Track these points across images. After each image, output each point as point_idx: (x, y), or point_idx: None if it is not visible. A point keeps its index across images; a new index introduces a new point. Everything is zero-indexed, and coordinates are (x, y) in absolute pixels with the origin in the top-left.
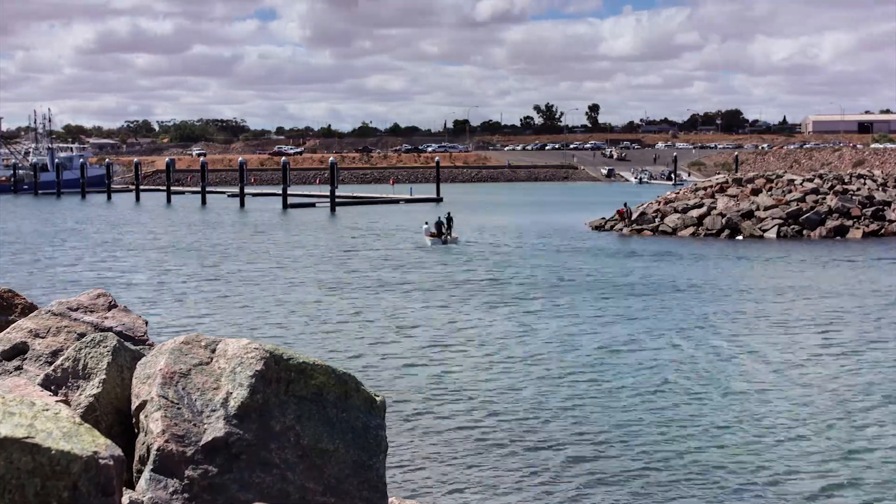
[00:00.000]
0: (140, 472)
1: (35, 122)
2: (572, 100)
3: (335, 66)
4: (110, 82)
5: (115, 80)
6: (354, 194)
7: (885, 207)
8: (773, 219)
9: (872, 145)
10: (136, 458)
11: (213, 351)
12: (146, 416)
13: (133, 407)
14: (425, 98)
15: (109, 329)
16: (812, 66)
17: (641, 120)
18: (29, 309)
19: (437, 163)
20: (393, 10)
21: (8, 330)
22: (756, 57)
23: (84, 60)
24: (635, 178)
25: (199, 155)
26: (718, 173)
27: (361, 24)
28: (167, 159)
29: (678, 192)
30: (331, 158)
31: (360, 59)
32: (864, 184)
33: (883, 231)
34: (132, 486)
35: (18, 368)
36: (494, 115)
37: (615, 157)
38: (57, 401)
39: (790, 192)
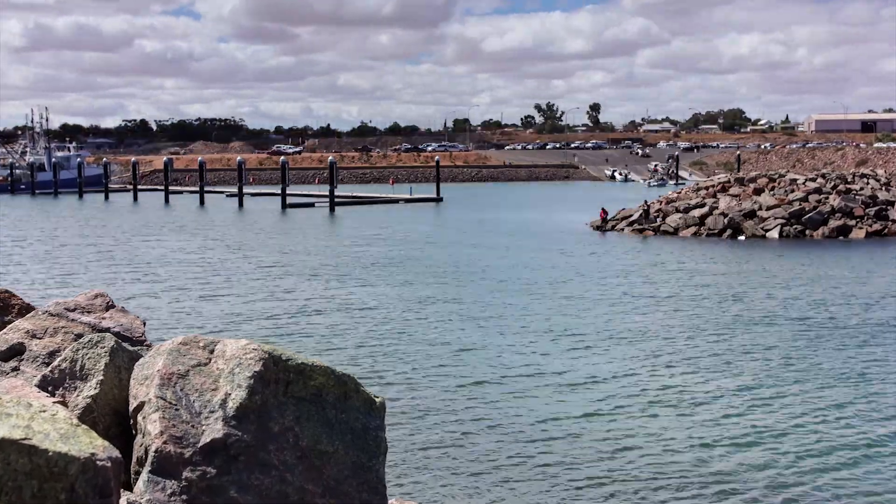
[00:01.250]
0: (138, 473)
1: (32, 122)
2: (547, 99)
3: (294, 63)
4: (68, 81)
5: (72, 80)
6: (354, 194)
7: (889, 207)
8: (776, 218)
9: (876, 144)
10: (134, 459)
11: (212, 352)
12: (144, 418)
13: (131, 408)
14: (402, 96)
15: (107, 330)
16: (785, 63)
17: (643, 119)
18: (26, 309)
19: (437, 162)
20: (324, 7)
21: (5, 331)
22: (724, 53)
23: (26, 59)
24: (619, 175)
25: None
26: (717, 173)
27: (295, 21)
28: (165, 159)
29: (680, 192)
30: (330, 158)
31: (308, 57)
32: (868, 183)
33: (886, 231)
34: (130, 488)
35: (15, 369)
36: (470, 114)
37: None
38: (54, 402)
39: (793, 191)
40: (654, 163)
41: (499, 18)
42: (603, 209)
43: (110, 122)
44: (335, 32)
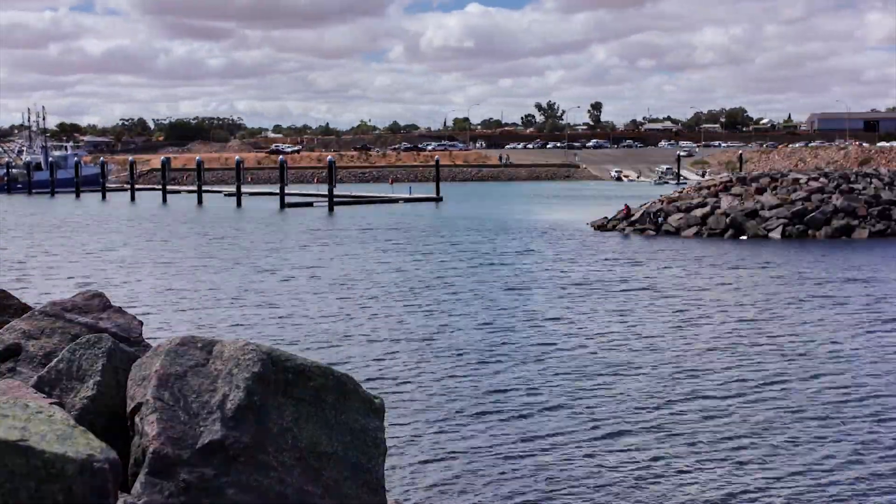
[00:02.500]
0: (135, 475)
1: (28, 120)
2: (518, 97)
3: (247, 60)
4: (26, 80)
5: (34, 79)
6: (353, 194)
7: (892, 207)
8: (778, 218)
9: (879, 143)
10: (132, 460)
11: (210, 352)
12: (141, 419)
13: (128, 409)
14: (369, 94)
15: (104, 330)
16: (747, 59)
17: (644, 118)
18: (22, 310)
19: (437, 161)
20: (249, 2)
21: (1, 331)
22: (684, 47)
23: None
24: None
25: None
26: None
27: (224, 17)
28: (162, 158)
29: (682, 191)
30: (329, 157)
31: (256, 54)
32: (871, 183)
33: (889, 231)
34: (127, 490)
35: (12, 370)
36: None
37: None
38: (51, 403)
39: (795, 191)
40: (664, 165)
41: (442, 15)
42: (626, 206)
43: (82, 121)
44: (268, 28)
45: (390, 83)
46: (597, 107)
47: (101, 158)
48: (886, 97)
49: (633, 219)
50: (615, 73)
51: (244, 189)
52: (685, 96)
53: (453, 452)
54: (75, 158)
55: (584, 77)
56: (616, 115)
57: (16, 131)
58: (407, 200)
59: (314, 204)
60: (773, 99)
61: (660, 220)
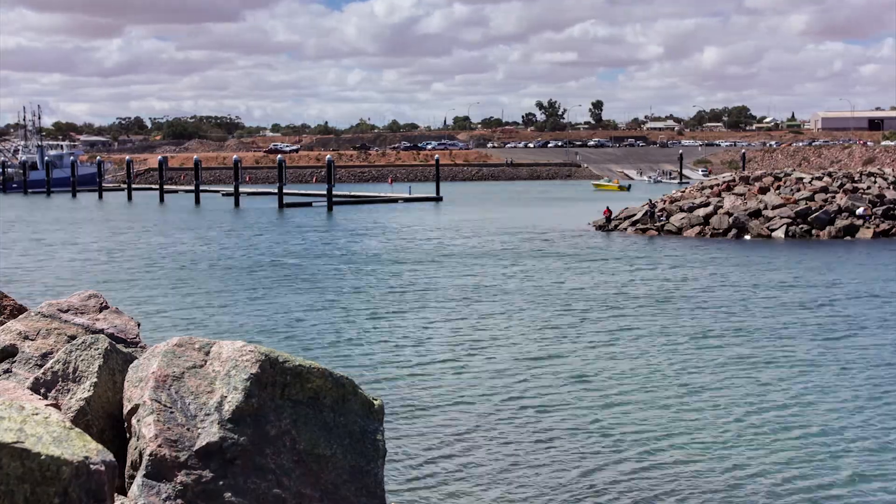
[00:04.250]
0: (132, 477)
1: (24, 119)
2: (477, 95)
3: (172, 58)
4: None
5: None
6: (352, 193)
7: None
8: (782, 218)
9: (883, 142)
10: (129, 463)
11: (208, 353)
12: (138, 421)
13: (125, 411)
14: (321, 93)
15: (101, 331)
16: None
17: (646, 116)
18: (18, 310)
19: (437, 161)
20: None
21: None
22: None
23: None
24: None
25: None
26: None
27: (126, 15)
28: (159, 157)
29: (684, 191)
30: (328, 156)
31: (176, 51)
32: (875, 182)
33: (893, 230)
34: (124, 493)
35: (7, 372)
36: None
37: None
38: (47, 405)
39: (799, 190)
40: (666, 166)
41: (361, 5)
42: (607, 208)
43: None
44: (169, 23)
45: (343, 81)
46: (598, 105)
47: (98, 157)
48: (851, 94)
49: (635, 218)
50: (567, 70)
51: (242, 189)
52: (649, 93)
53: (453, 454)
54: (71, 158)
55: (531, 72)
56: (612, 113)
57: (12, 130)
58: (406, 200)
59: (313, 204)
60: (739, 96)
61: (662, 219)
